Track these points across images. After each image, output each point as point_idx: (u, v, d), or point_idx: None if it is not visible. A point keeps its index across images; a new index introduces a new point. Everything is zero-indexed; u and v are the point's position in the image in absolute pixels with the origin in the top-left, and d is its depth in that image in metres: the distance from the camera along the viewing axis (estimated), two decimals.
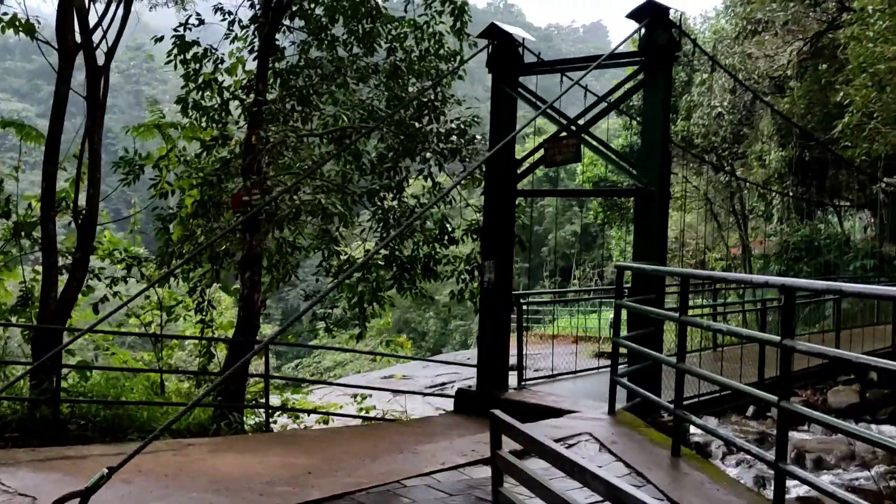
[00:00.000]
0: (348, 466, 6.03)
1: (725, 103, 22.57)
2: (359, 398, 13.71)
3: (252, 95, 12.30)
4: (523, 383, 11.10)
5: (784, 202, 28.36)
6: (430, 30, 13.74)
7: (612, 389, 8.18)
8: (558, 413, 9.26)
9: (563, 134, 9.86)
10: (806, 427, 19.91)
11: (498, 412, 4.82)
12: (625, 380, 8.17)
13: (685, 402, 7.65)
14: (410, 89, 13.11)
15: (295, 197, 10.31)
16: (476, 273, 13.26)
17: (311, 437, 8.94)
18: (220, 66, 12.38)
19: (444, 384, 29.90)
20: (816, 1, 20.22)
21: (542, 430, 7.36)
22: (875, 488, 16.77)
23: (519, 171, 10.69)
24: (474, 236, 13.16)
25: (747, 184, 25.65)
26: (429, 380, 30.25)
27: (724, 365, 11.49)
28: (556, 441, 6.92)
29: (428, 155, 11.89)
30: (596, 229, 47.32)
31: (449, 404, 12.71)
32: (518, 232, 11.99)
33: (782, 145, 26.91)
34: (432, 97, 12.57)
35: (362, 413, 13.43)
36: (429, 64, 13.56)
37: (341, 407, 14.97)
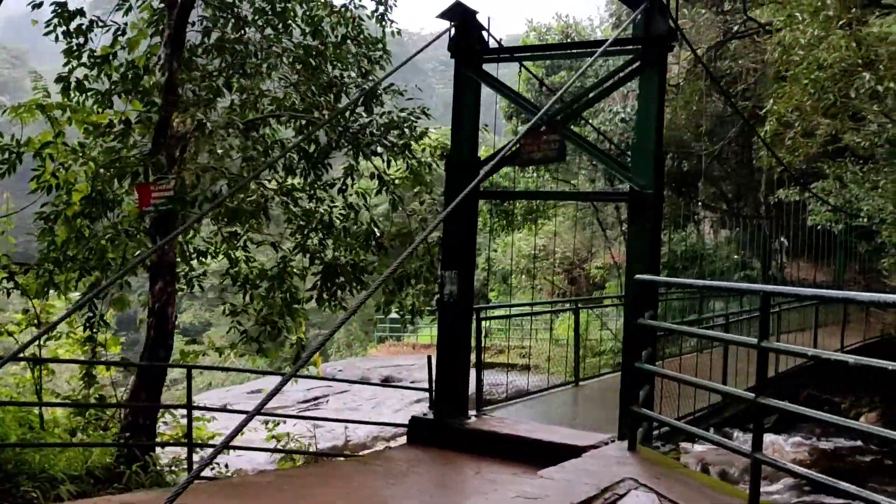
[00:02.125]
0: None
1: (628, 108, 22.22)
2: (270, 425, 12.10)
3: (158, 74, 10.56)
4: (483, 409, 9.87)
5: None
6: (349, 14, 12.40)
7: (634, 422, 7.09)
8: (545, 448, 8.11)
9: (542, 128, 8.75)
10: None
11: None
12: (644, 410, 7.10)
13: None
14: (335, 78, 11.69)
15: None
16: (405, 283, 12.01)
17: (262, 483, 7.36)
18: (119, 38, 10.49)
19: (317, 398, 28.31)
20: (723, 10, 20.18)
21: (576, 477, 6.20)
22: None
23: (482, 172, 9.46)
24: (400, 239, 11.92)
25: None
26: (301, 394, 28.51)
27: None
28: (604, 490, 5.78)
29: (379, 149, 10.44)
30: None
31: None
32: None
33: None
34: (362, 86, 11.22)
35: (273, 442, 11.93)
36: (347, 51, 12.19)
37: (243, 433, 13.25)
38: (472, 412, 9.57)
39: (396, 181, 11.46)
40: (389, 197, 11.16)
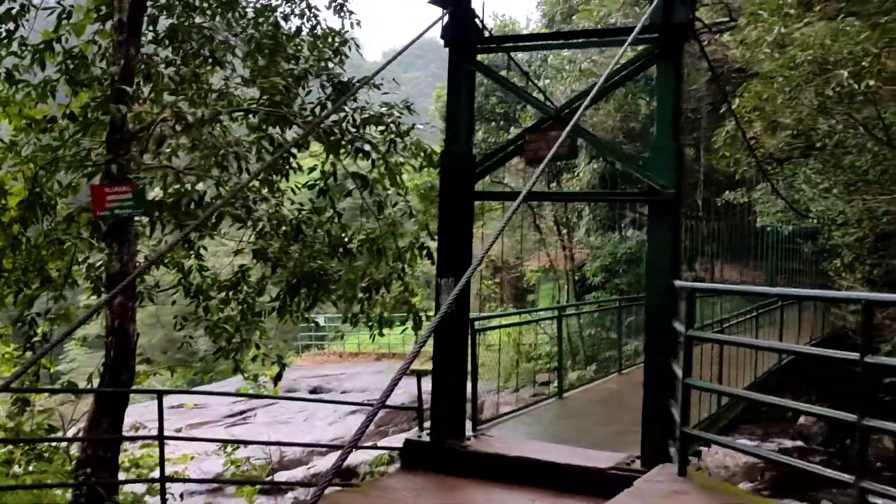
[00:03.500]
0: None
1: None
2: (230, 449, 11.09)
3: (100, 63, 9.49)
4: (478, 428, 9.12)
5: (593, 214, 28.34)
6: (303, 2, 11.53)
7: (684, 445, 6.46)
8: (560, 471, 7.49)
9: (549, 124, 8.09)
10: None
11: None
12: (696, 431, 6.49)
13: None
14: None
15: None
16: (374, 292, 11.16)
17: None
18: (64, 22, 9.31)
19: (244, 412, 27.02)
20: None
21: None
22: None
23: (477, 171, 8.73)
24: (369, 246, 11.07)
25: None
26: (226, 408, 27.18)
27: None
28: None
29: (367, 147, 9.54)
30: None
31: None
32: None
33: (593, 157, 26.81)
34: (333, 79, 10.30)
35: (230, 465, 10.95)
36: (302, 41, 11.29)
37: (192, 458, 12.20)
38: (468, 432, 8.82)
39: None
40: (374, 199, 10.25)
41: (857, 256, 17.33)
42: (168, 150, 9.77)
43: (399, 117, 9.91)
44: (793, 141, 15.22)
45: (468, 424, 8.94)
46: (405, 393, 27.41)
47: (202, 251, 10.95)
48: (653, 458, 7.26)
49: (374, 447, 11.43)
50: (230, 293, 10.92)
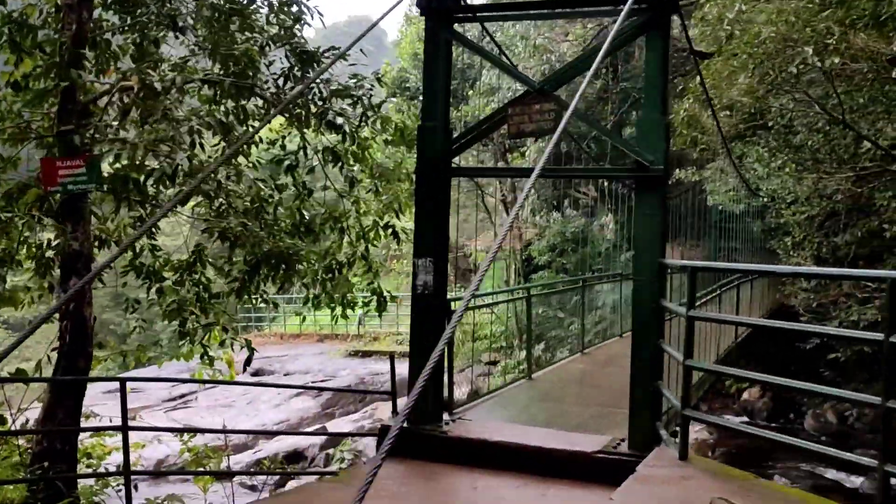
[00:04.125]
0: None
1: None
2: (187, 437, 10.59)
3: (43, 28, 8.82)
4: (454, 412, 8.83)
5: (538, 194, 28.21)
6: None
7: (685, 427, 6.27)
8: (546, 455, 7.29)
9: (531, 96, 7.80)
10: None
11: None
12: (698, 413, 6.31)
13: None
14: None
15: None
16: (337, 273, 10.78)
17: None
18: None
19: (184, 396, 26.27)
20: None
21: (657, 501, 5.30)
22: None
23: (455, 146, 8.39)
24: (332, 224, 10.67)
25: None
26: (165, 392, 26.38)
27: None
28: None
29: (339, 120, 9.09)
30: None
31: None
32: None
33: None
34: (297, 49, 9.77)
35: (187, 452, 10.45)
36: (257, 10, 10.72)
37: (144, 446, 11.70)
38: (445, 416, 8.53)
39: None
40: (347, 175, 9.81)
41: (806, 235, 17.54)
42: (115, 123, 9.19)
43: (370, 90, 9.47)
44: (742, 122, 15.23)
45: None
46: (351, 374, 27.10)
47: (155, 230, 10.39)
48: (641, 441, 7.10)
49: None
50: (185, 274, 10.42)
